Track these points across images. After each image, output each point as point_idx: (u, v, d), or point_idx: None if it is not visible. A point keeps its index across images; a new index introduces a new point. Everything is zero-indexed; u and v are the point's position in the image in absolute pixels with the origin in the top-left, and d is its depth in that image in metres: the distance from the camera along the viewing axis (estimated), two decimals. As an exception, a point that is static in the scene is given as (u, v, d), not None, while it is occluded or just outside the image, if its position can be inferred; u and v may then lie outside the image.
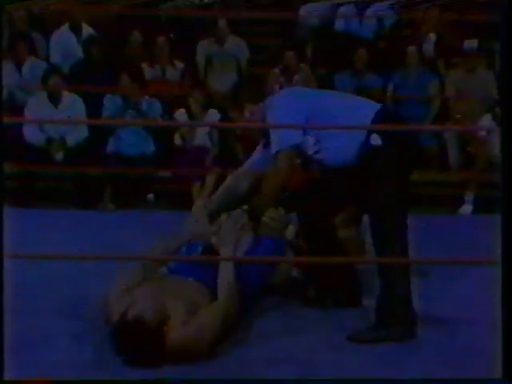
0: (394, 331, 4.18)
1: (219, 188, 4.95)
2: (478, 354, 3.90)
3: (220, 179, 7.62)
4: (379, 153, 4.24)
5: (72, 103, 7.94)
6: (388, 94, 8.51)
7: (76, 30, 8.84)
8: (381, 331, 4.18)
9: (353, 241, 4.84)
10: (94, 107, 8.03)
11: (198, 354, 3.88)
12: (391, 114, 4.55)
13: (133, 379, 3.69)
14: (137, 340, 3.80)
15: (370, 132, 4.26)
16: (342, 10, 9.39)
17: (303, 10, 9.45)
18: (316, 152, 4.42)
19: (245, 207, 4.63)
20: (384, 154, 4.24)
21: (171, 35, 9.00)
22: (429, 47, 8.96)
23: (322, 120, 4.35)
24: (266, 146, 4.63)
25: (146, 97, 8.11)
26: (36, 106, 7.92)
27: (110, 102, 8.11)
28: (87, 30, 8.86)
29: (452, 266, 5.27)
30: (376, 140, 4.24)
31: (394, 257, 4.16)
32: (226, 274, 4.25)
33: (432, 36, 9.00)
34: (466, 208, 7.79)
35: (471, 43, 8.35)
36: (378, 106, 4.45)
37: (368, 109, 4.40)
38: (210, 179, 7.78)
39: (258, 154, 4.81)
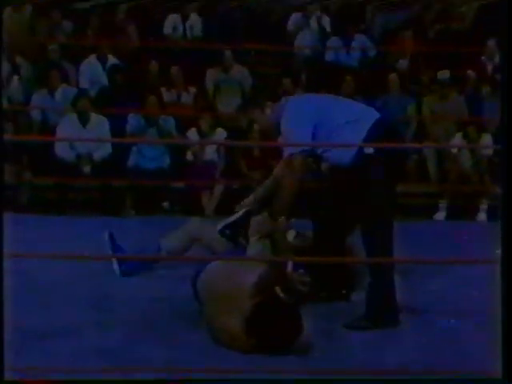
0: (381, 320, 4.23)
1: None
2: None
3: (226, 190, 7.71)
4: (371, 159, 4.25)
5: (98, 123, 7.95)
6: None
7: (102, 59, 8.88)
8: (370, 320, 4.23)
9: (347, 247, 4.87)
10: (117, 126, 8.05)
11: None
12: (385, 125, 4.49)
13: (132, 379, 3.59)
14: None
15: (365, 139, 4.27)
16: (330, 42, 9.47)
17: (298, 42, 9.52)
18: (324, 151, 4.38)
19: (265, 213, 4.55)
20: (375, 160, 4.25)
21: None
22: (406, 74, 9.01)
23: (327, 125, 4.31)
24: None
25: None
26: (67, 126, 7.92)
27: (134, 121, 8.16)
28: (112, 59, 8.91)
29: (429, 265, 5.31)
30: (368, 148, 4.25)
31: (384, 257, 4.20)
32: None
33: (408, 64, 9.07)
34: (440, 215, 7.82)
35: (444, 74, 8.38)
36: (377, 114, 4.43)
37: (368, 116, 4.39)
38: (218, 190, 7.81)
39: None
